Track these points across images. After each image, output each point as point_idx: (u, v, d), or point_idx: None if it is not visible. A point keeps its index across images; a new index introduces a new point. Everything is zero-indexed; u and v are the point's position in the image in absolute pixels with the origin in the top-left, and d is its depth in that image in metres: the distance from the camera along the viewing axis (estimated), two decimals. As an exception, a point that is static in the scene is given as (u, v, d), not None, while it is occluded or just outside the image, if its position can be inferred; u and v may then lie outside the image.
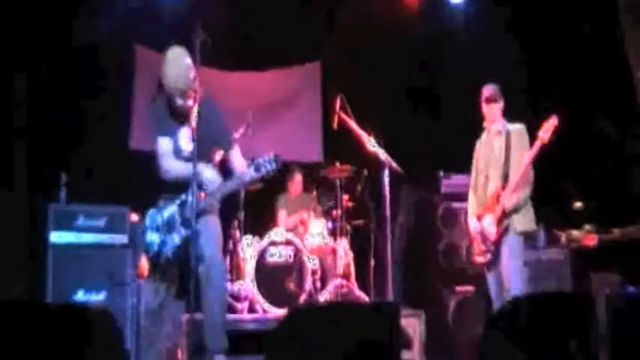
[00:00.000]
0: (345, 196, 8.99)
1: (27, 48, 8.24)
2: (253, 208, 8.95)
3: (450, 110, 9.98)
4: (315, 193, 9.24)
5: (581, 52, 9.10)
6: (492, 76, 8.85)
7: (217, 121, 5.77)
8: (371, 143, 7.15)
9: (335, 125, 7.59)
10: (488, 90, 6.59)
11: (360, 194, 8.94)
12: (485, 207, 6.43)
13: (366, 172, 8.74)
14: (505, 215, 6.25)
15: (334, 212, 8.90)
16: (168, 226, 5.59)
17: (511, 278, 6.21)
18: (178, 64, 5.61)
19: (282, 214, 9.35)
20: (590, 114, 8.93)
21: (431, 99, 10.20)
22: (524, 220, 6.29)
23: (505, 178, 6.29)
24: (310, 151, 10.61)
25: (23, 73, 8.21)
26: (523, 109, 8.68)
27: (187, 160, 5.58)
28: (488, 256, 6.37)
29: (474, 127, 9.59)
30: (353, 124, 7.37)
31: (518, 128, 6.45)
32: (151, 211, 5.72)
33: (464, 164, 9.17)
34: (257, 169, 5.36)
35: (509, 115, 6.67)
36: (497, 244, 6.32)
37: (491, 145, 6.60)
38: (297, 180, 9.49)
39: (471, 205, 6.73)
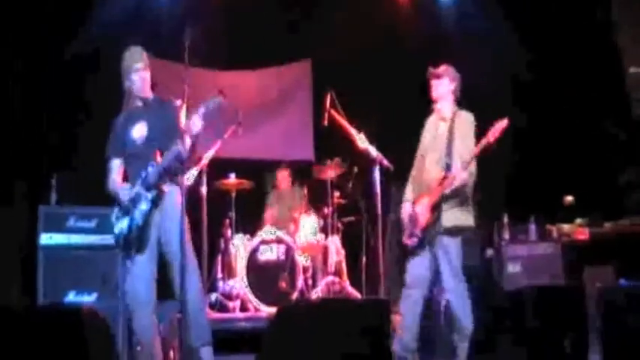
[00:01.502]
0: (337, 194, 8.99)
1: (24, 51, 8.25)
2: (244, 208, 8.95)
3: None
4: (306, 189, 9.22)
5: (581, 50, 9.12)
6: (488, 74, 8.96)
7: (171, 119, 5.72)
8: (361, 140, 7.14)
9: (325, 122, 7.59)
10: (438, 67, 6.30)
11: (351, 191, 8.93)
12: (423, 193, 6.10)
13: (356, 169, 8.74)
14: (440, 202, 5.93)
15: (325, 209, 8.90)
16: (134, 202, 5.51)
17: (450, 289, 5.99)
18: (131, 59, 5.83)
19: (269, 213, 9.34)
20: (584, 109, 8.95)
21: (423, 95, 10.20)
22: (459, 216, 5.97)
23: (447, 166, 5.92)
24: (301, 150, 10.61)
25: (17, 75, 8.21)
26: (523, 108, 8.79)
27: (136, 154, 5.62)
28: (415, 240, 6.08)
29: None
30: (343, 120, 7.37)
31: (465, 116, 6.13)
32: (115, 210, 5.65)
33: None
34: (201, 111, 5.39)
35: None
36: (426, 231, 6.00)
37: (435, 128, 6.27)
38: (283, 174, 9.48)
39: (407, 190, 6.38)
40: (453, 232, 5.91)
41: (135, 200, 5.49)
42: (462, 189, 5.88)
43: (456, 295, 5.98)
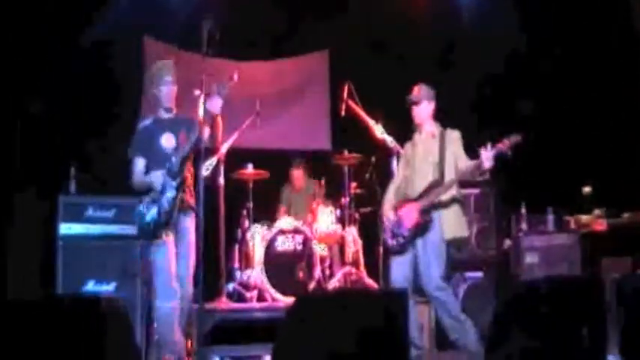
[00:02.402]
0: (354, 184, 8.99)
1: (40, 41, 8.28)
2: (262, 198, 8.96)
3: (458, 97, 9.98)
4: (323, 180, 9.22)
5: (599, 38, 9.07)
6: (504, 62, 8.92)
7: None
8: (379, 130, 7.13)
9: (342, 113, 7.59)
10: (413, 92, 6.43)
11: (369, 181, 8.93)
12: (409, 200, 6.20)
13: (374, 159, 8.73)
14: (432, 207, 6.07)
15: (343, 200, 8.90)
16: (162, 190, 5.84)
17: (438, 284, 6.09)
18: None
19: (282, 212, 9.35)
20: (603, 100, 8.91)
21: (440, 85, 10.19)
22: (454, 226, 6.12)
23: (441, 175, 6.09)
24: (319, 140, 10.61)
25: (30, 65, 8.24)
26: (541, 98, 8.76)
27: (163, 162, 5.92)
28: (401, 240, 6.18)
29: (480, 114, 9.59)
30: (361, 111, 7.37)
31: (454, 133, 6.26)
32: (144, 200, 5.93)
33: (471, 151, 9.20)
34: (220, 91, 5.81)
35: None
36: (414, 232, 6.12)
37: (424, 147, 6.35)
38: (297, 174, 9.48)
39: (391, 196, 6.49)
40: (451, 242, 6.12)
41: (163, 188, 5.80)
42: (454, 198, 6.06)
43: (450, 297, 6.10)
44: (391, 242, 6.27)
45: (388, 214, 6.34)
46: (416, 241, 6.12)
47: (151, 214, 5.83)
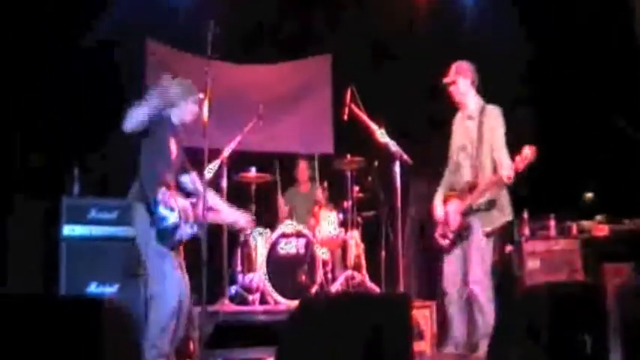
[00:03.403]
0: (356, 188, 9.00)
1: (41, 41, 8.30)
2: (264, 201, 8.97)
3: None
4: (325, 184, 9.23)
5: (599, 44, 9.09)
6: (503, 69, 8.93)
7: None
8: (381, 135, 7.15)
9: (345, 117, 7.60)
10: (446, 74, 6.46)
11: (371, 186, 8.94)
12: (457, 195, 6.30)
13: (376, 163, 8.74)
14: (472, 210, 6.17)
15: (345, 204, 8.91)
16: (184, 214, 5.76)
17: (478, 278, 6.16)
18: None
19: (285, 213, 9.37)
20: (603, 106, 8.92)
21: (442, 91, 10.21)
22: (491, 219, 6.17)
23: (475, 170, 6.16)
24: (321, 144, 10.61)
25: (34, 64, 8.25)
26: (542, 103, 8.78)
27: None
28: (447, 241, 6.32)
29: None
30: (363, 115, 7.38)
31: (493, 110, 6.26)
32: (163, 190, 5.75)
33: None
34: None
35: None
36: (458, 233, 6.24)
37: (464, 127, 6.42)
38: (302, 168, 9.51)
39: (440, 189, 6.59)
40: (492, 233, 6.17)
41: (184, 213, 5.84)
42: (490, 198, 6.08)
43: (484, 293, 6.07)
44: (442, 242, 6.35)
45: (437, 209, 6.42)
46: (462, 239, 6.20)
47: (173, 220, 5.76)
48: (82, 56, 8.54)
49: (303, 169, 9.54)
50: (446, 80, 6.41)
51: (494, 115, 6.20)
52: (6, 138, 8.06)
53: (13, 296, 3.69)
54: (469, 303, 6.32)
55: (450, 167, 6.58)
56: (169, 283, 5.66)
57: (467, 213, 6.17)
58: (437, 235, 6.41)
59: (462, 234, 6.20)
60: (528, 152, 5.79)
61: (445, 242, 6.32)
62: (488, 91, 6.53)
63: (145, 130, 5.77)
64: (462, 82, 6.36)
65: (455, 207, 6.22)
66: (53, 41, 8.41)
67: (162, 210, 5.68)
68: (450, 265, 6.34)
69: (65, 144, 8.32)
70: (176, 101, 5.94)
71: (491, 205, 6.14)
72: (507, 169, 5.84)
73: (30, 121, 8.22)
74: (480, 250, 6.14)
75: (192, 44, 7.95)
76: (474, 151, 6.18)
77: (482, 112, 6.23)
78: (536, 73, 9.42)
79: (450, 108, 6.64)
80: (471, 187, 6.14)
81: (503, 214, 6.23)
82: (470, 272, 6.15)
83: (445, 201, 6.40)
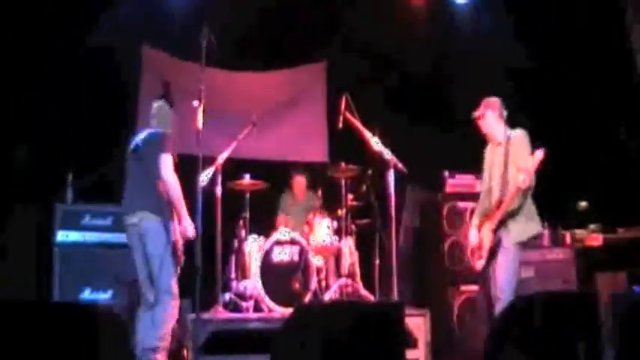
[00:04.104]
0: (350, 196, 9.00)
1: (39, 47, 8.31)
2: (258, 208, 8.96)
3: (457, 110, 10.04)
4: (320, 192, 9.22)
5: (595, 53, 9.12)
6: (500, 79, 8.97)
7: None
8: (376, 143, 7.16)
9: (340, 125, 7.60)
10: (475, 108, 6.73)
11: (365, 194, 8.94)
12: (487, 216, 6.51)
13: (370, 171, 8.75)
14: (501, 224, 6.35)
15: (339, 211, 8.91)
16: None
17: (501, 287, 6.31)
18: None
19: (282, 217, 9.37)
20: (599, 115, 8.95)
21: (437, 99, 10.24)
22: (518, 230, 6.35)
23: (503, 189, 6.38)
24: (315, 151, 10.62)
25: (30, 72, 8.26)
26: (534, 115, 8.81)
27: None
28: (482, 262, 6.52)
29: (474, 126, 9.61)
30: (358, 123, 7.39)
31: (516, 135, 6.50)
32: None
33: (469, 164, 9.22)
34: None
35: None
36: (493, 251, 6.42)
37: (493, 156, 6.69)
38: (299, 180, 9.50)
39: (475, 216, 6.83)
40: (523, 244, 6.37)
41: None
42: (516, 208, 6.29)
43: (503, 303, 6.21)
44: (478, 265, 6.60)
45: (472, 237, 6.70)
46: (494, 255, 6.43)
47: (176, 236, 6.00)
48: (79, 63, 8.56)
49: (299, 182, 9.51)
50: (475, 114, 6.66)
51: (519, 139, 6.45)
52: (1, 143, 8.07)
53: (6, 303, 3.68)
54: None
55: (482, 194, 6.81)
56: (174, 296, 5.83)
57: (497, 228, 6.39)
58: (473, 261, 6.67)
59: (494, 249, 6.41)
60: (539, 154, 6.03)
61: (481, 264, 6.54)
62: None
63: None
64: (489, 116, 6.63)
65: (487, 228, 6.44)
66: (51, 46, 8.42)
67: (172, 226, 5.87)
68: (492, 287, 6.53)
69: (59, 151, 8.31)
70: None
71: (518, 215, 6.34)
72: (522, 173, 6.05)
73: (25, 128, 8.22)
74: (506, 260, 6.34)
75: (188, 50, 7.95)
76: (501, 174, 6.44)
77: (508, 139, 6.51)
78: (532, 81, 9.45)
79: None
80: (498, 204, 6.36)
81: (534, 225, 6.44)
82: (496, 279, 6.35)
83: (480, 227, 6.63)
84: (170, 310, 5.88)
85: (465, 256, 8.58)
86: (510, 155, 6.41)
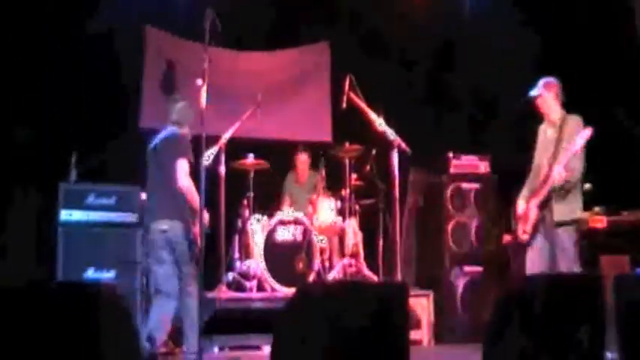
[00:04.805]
0: (354, 176, 8.99)
1: (41, 29, 8.29)
2: (262, 188, 8.95)
3: (460, 92, 10.02)
4: (324, 171, 9.18)
5: (597, 43, 9.09)
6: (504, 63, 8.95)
7: None
8: (380, 123, 7.13)
9: (344, 105, 7.58)
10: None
11: (369, 174, 8.93)
12: (535, 192, 6.63)
13: (374, 151, 8.74)
14: (547, 201, 6.48)
15: (343, 192, 8.90)
16: None
17: (563, 268, 6.45)
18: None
19: (286, 198, 9.37)
20: (602, 98, 8.91)
21: (442, 80, 10.21)
22: (561, 210, 6.47)
23: (551, 165, 6.48)
24: (319, 131, 10.60)
25: (33, 52, 8.24)
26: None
27: None
28: (526, 236, 6.61)
29: (484, 108, 9.60)
30: (362, 104, 7.36)
31: (573, 118, 6.63)
32: None
33: (473, 145, 9.19)
34: None
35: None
36: (537, 227, 6.56)
37: (547, 135, 6.82)
38: (302, 159, 9.46)
39: (524, 189, 6.91)
40: (561, 224, 6.45)
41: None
42: (564, 185, 6.39)
43: None
44: (522, 237, 6.69)
45: (518, 208, 6.78)
46: (537, 231, 6.59)
47: None
48: (82, 44, 8.54)
49: (303, 161, 9.48)
50: (533, 94, 6.79)
51: (574, 123, 6.58)
52: (4, 124, 8.06)
53: (9, 284, 3.68)
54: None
55: (533, 171, 6.90)
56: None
57: (543, 205, 6.52)
58: (518, 232, 6.74)
59: (538, 226, 6.56)
60: (587, 132, 6.28)
61: (525, 237, 6.64)
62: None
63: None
64: (546, 96, 6.75)
65: (533, 203, 6.57)
66: (52, 29, 8.41)
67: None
68: (532, 258, 6.65)
69: (63, 131, 8.31)
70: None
71: (562, 195, 6.47)
72: (560, 166, 6.29)
73: (29, 109, 8.21)
74: (561, 246, 6.47)
75: (192, 32, 7.93)
76: (552, 152, 6.57)
77: (563, 120, 6.64)
78: (537, 65, 9.41)
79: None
80: (545, 180, 6.48)
81: (574, 210, 6.55)
82: (559, 268, 6.48)
83: (527, 201, 6.74)
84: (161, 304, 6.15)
85: (470, 236, 8.62)
86: (564, 135, 6.55)
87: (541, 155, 6.78)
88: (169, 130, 6.32)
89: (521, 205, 6.77)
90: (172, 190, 6.10)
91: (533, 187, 6.70)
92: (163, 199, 6.21)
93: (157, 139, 6.37)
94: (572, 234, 6.49)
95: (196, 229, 5.98)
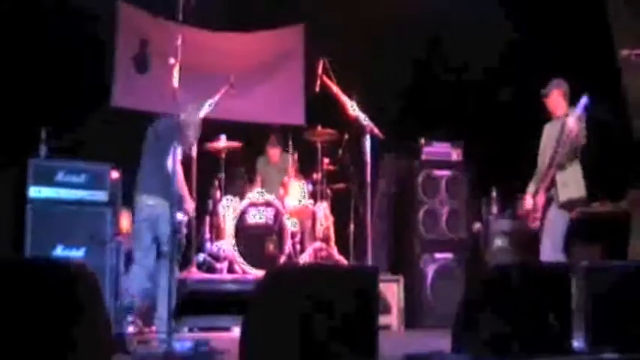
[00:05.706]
0: (326, 160, 8.99)
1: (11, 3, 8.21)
2: (234, 169, 8.92)
3: (435, 76, 10.03)
4: (296, 155, 9.14)
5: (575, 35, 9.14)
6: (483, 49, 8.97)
7: None
8: (353, 108, 7.12)
9: (317, 89, 7.55)
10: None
11: (341, 158, 8.93)
12: (541, 179, 7.04)
13: (347, 136, 8.73)
14: (552, 184, 6.87)
15: (315, 175, 8.90)
16: None
17: (544, 250, 6.89)
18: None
19: (257, 181, 9.30)
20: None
21: (417, 66, 10.22)
22: (565, 191, 6.84)
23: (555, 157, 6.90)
24: (292, 114, 10.58)
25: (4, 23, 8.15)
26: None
27: None
28: (537, 223, 6.99)
29: (459, 93, 9.61)
30: (335, 88, 7.34)
31: (574, 112, 6.85)
32: None
33: (445, 132, 9.20)
34: None
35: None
36: (545, 208, 6.97)
37: (552, 129, 7.19)
38: (274, 152, 9.34)
39: (530, 186, 7.25)
40: (566, 206, 6.88)
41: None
42: (575, 142, 6.80)
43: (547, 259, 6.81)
44: (534, 225, 7.08)
45: (527, 201, 7.18)
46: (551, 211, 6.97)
47: None
48: (55, 19, 8.45)
49: (274, 154, 9.39)
50: (543, 92, 7.20)
51: (576, 116, 6.85)
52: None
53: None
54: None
55: (538, 169, 7.26)
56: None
57: (549, 188, 6.93)
58: (530, 223, 7.12)
59: (546, 208, 6.98)
60: (584, 100, 6.73)
61: (536, 224, 7.03)
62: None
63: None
64: (554, 95, 7.19)
65: (541, 189, 6.99)
66: (26, 2, 8.30)
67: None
68: (546, 243, 6.98)
69: (34, 108, 8.22)
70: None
71: (564, 175, 6.86)
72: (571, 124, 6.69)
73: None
74: (551, 223, 6.91)
75: (166, 10, 7.86)
76: (554, 146, 6.97)
77: (567, 115, 6.94)
78: (517, 53, 9.47)
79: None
80: (550, 164, 6.91)
81: (577, 189, 6.92)
82: (544, 244, 6.93)
83: (534, 194, 7.12)
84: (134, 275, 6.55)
85: (441, 222, 8.65)
86: (566, 127, 6.82)
87: (545, 153, 7.12)
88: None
89: (528, 200, 7.13)
90: (166, 173, 6.36)
91: (539, 179, 7.08)
92: (156, 178, 6.51)
93: (160, 125, 6.68)
94: (566, 218, 6.89)
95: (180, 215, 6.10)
